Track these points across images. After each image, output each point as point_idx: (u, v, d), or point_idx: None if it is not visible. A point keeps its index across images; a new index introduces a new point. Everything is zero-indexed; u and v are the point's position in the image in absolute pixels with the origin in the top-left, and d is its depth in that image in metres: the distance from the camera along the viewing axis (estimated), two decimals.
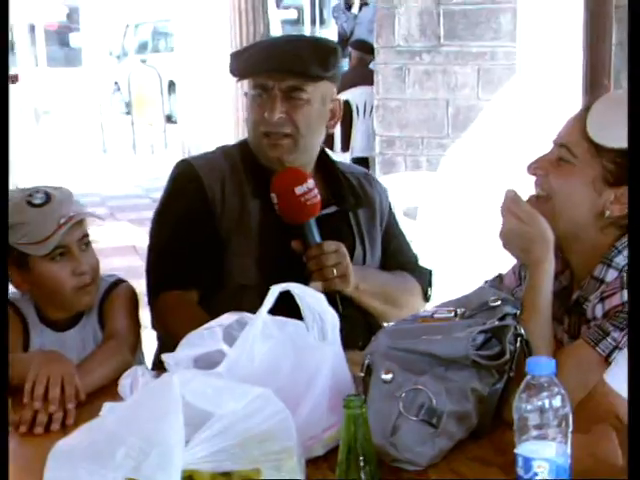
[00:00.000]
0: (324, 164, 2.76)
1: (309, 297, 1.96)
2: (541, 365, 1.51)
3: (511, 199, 2.08)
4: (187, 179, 2.74)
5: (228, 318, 2.05)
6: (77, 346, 2.61)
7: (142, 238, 3.93)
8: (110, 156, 13.95)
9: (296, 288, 1.94)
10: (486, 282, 2.39)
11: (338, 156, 8.91)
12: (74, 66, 21.52)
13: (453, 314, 2.05)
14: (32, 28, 20.83)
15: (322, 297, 1.96)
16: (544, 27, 6.54)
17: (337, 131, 9.06)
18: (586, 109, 2.04)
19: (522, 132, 6.46)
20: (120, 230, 8.78)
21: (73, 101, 18.37)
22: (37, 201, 2.50)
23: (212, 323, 2.05)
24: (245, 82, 2.73)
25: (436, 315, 2.06)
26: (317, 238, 2.55)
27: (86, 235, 2.58)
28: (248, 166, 2.72)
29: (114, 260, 6.27)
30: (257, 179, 2.68)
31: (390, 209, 2.96)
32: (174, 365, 1.95)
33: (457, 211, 5.57)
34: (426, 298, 2.91)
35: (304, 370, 1.90)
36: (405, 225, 5.22)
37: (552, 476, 1.50)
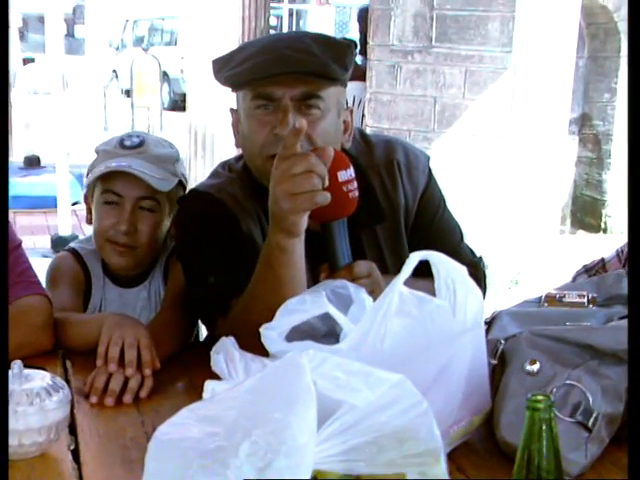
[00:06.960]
0: None
1: (449, 268, 1.39)
2: None
3: None
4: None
5: (326, 285, 1.54)
6: (139, 305, 2.15)
7: None
8: (111, 133, 13.38)
9: (435, 257, 1.38)
10: (584, 266, 1.91)
11: None
12: (77, 54, 20.84)
13: (585, 300, 1.56)
14: (41, 19, 20.37)
15: (465, 272, 1.40)
16: (538, 35, 6.24)
17: None
18: None
19: (507, 133, 6.21)
20: None
21: (76, 85, 17.74)
22: (128, 143, 2.15)
23: (311, 289, 1.55)
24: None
25: (566, 299, 1.57)
26: (346, 250, 1.74)
27: (150, 199, 2.09)
28: (256, 192, 1.90)
29: None
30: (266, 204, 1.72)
31: (423, 198, 2.09)
32: (277, 337, 1.42)
33: None
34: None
35: (439, 356, 1.36)
36: None
37: None
